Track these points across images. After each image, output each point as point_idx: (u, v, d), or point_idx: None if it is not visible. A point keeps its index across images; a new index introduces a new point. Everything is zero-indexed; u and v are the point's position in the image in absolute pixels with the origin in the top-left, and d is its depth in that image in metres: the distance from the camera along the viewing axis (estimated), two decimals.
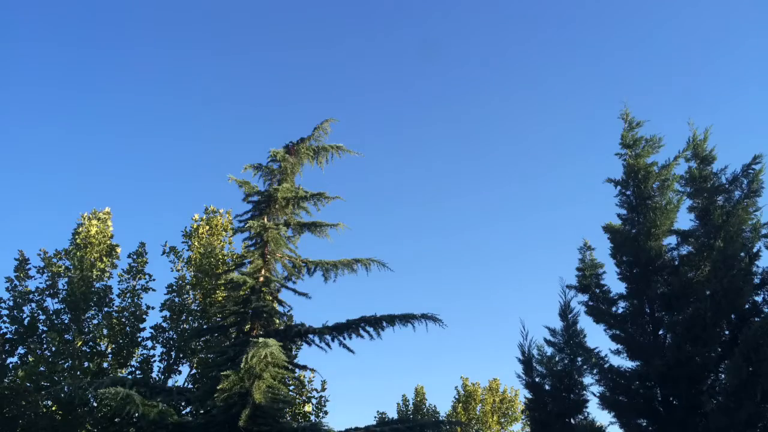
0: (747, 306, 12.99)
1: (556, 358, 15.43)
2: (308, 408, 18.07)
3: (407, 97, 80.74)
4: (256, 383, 10.93)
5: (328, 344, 12.26)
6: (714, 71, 71.26)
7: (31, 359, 15.45)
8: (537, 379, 15.38)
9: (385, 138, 77.97)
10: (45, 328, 16.26)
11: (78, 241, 17.13)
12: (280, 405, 11.47)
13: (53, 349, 15.64)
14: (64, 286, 16.72)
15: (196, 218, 18.52)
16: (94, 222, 17.59)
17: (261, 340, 10.59)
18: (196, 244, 17.91)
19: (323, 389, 18.66)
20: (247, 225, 12.52)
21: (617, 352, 14.68)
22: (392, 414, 29.75)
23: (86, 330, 16.33)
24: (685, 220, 15.21)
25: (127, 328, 16.76)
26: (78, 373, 15.31)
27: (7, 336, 16.04)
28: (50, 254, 17.04)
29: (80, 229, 17.41)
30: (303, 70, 78.40)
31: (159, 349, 17.09)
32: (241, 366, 10.33)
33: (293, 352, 13.48)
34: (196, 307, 17.41)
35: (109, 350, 16.56)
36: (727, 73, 71.11)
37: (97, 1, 64.54)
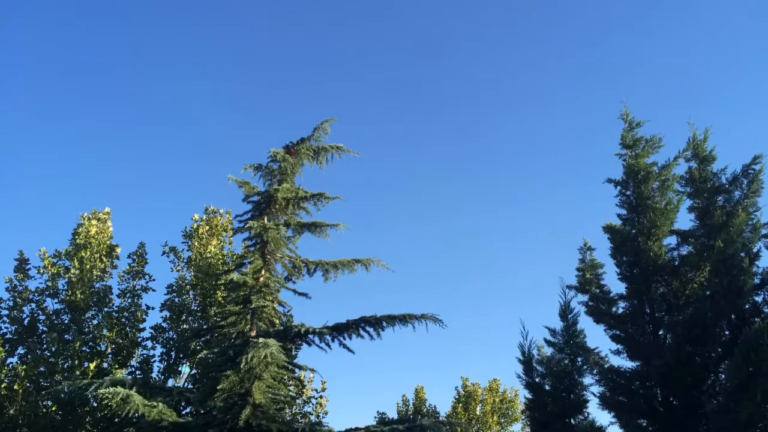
0: (747, 306, 13.01)
1: (556, 359, 15.44)
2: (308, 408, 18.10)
3: (407, 95, 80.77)
4: (256, 383, 10.94)
5: (328, 344, 12.25)
6: (714, 71, 71.32)
7: (31, 359, 15.45)
8: (537, 380, 15.40)
9: (384, 137, 78.01)
10: (45, 329, 16.26)
11: (78, 241, 17.10)
12: (280, 405, 11.48)
13: (53, 349, 15.63)
14: (64, 286, 16.71)
15: (196, 218, 18.50)
16: (94, 222, 17.56)
17: (261, 340, 10.59)
18: (196, 244, 17.89)
19: (323, 389, 18.68)
20: (247, 225, 12.51)
21: (617, 353, 14.72)
22: (392, 414, 29.74)
23: (86, 330, 16.32)
24: (685, 221, 15.25)
25: (127, 328, 16.74)
26: (78, 373, 15.30)
27: (7, 336, 16.04)
28: (50, 254, 17.03)
29: (80, 229, 17.39)
30: (303, 70, 78.45)
31: (159, 350, 17.10)
32: (241, 366, 10.33)
33: (293, 353, 13.47)
34: (196, 308, 17.39)
35: (109, 350, 16.55)
36: (727, 72, 71.17)
37: (99, 4, 64.59)
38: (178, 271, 18.00)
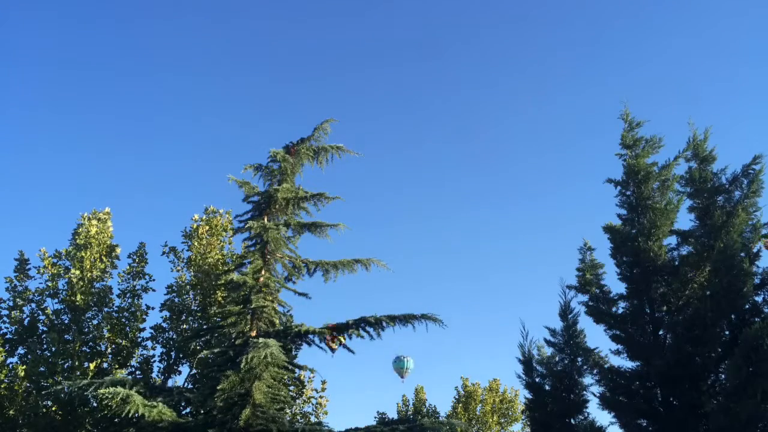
0: (747, 306, 13.00)
1: (556, 359, 15.44)
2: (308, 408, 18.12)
3: (406, 94, 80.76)
4: (256, 383, 10.95)
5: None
6: (714, 71, 71.31)
7: (31, 359, 15.44)
8: (537, 380, 15.38)
9: (384, 137, 77.99)
10: (45, 329, 16.25)
11: (78, 241, 17.09)
12: (280, 405, 11.48)
13: (53, 349, 15.63)
14: (64, 286, 16.70)
15: (196, 218, 18.49)
16: (94, 222, 17.54)
17: (261, 340, 10.60)
18: (196, 244, 17.88)
19: (323, 389, 18.69)
20: (247, 225, 12.51)
21: (617, 353, 14.71)
22: (392, 414, 29.73)
23: (86, 330, 16.31)
24: (685, 221, 15.25)
25: (127, 329, 16.73)
26: (78, 373, 15.29)
27: (7, 336, 16.04)
28: (50, 254, 17.02)
29: (80, 229, 17.37)
30: (303, 70, 78.47)
31: (159, 350, 17.09)
32: (242, 366, 10.34)
33: (293, 353, 13.47)
34: (196, 308, 17.38)
35: (109, 350, 16.55)
36: (727, 73, 71.16)
37: (99, 1, 64.58)
38: (178, 271, 18.00)
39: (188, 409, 13.16)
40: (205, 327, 16.09)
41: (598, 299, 15.31)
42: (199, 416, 11.69)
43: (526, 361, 15.56)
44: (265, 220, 12.76)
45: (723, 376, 12.86)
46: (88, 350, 16.17)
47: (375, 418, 26.90)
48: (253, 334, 11.94)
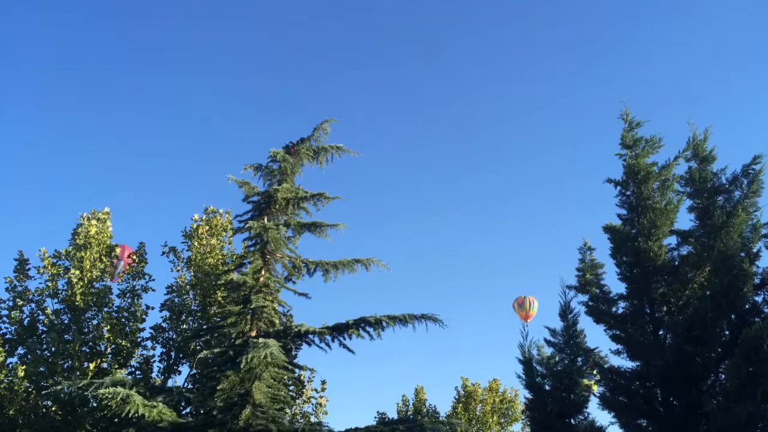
0: (747, 306, 13.01)
1: (556, 359, 15.45)
2: (308, 408, 18.12)
3: (407, 95, 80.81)
4: (256, 384, 10.96)
5: (328, 344, 12.28)
6: (714, 71, 71.36)
7: (31, 359, 15.44)
8: (537, 380, 15.39)
9: (384, 137, 78.05)
10: (45, 328, 16.25)
11: (78, 241, 17.09)
12: (280, 405, 11.49)
13: (53, 349, 15.63)
14: (63, 286, 16.70)
15: (196, 218, 18.48)
16: (94, 222, 17.54)
17: (261, 340, 10.61)
18: (195, 244, 17.88)
19: (323, 389, 18.69)
20: (247, 225, 12.53)
21: (617, 353, 14.72)
22: (392, 414, 29.72)
23: (86, 330, 16.31)
24: (685, 221, 15.26)
25: (127, 329, 16.73)
26: (78, 373, 15.30)
27: (7, 336, 16.04)
28: (50, 254, 17.02)
29: (80, 229, 17.37)
30: (303, 71, 78.52)
31: (159, 350, 17.09)
32: (242, 366, 10.34)
33: (293, 353, 13.49)
34: (196, 308, 17.38)
35: (109, 350, 16.54)
36: (727, 73, 71.22)
37: (102, 2, 64.62)
38: (178, 271, 18.00)
39: (188, 409, 13.17)
40: (205, 327, 16.08)
41: (598, 299, 15.32)
42: (199, 416, 11.70)
43: (526, 361, 15.57)
44: (265, 220, 12.77)
45: (723, 376, 12.86)
46: (88, 350, 16.17)
47: (375, 418, 26.87)
48: (253, 334, 11.95)
